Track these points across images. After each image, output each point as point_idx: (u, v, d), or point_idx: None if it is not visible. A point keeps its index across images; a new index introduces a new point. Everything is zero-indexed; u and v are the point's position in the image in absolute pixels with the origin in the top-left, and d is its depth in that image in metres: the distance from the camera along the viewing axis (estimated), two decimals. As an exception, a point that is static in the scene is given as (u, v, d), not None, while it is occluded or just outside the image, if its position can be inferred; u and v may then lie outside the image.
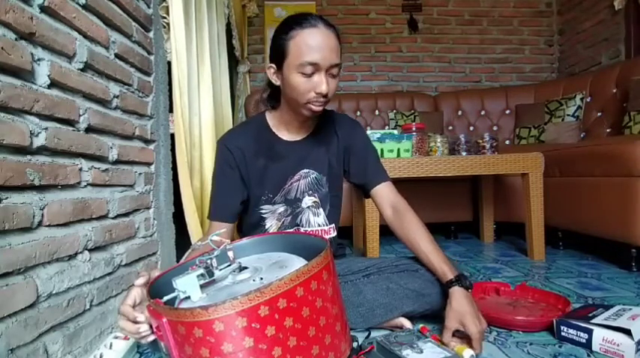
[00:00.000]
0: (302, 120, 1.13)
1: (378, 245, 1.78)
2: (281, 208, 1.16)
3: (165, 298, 0.65)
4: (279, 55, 1.02)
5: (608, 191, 1.69)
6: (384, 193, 1.18)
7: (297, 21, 0.99)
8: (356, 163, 1.20)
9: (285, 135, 1.16)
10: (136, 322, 0.72)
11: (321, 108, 1.03)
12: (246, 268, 0.75)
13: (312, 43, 0.96)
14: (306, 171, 1.15)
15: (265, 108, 1.20)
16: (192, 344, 0.56)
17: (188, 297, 0.66)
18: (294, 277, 0.56)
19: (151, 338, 0.72)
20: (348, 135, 1.20)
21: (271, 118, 1.18)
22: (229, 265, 0.74)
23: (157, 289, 0.70)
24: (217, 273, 0.72)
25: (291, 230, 0.82)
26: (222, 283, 0.72)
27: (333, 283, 0.64)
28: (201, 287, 0.68)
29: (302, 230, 1.15)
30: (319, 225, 1.17)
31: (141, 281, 0.75)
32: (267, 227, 1.17)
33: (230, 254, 0.74)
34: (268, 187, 1.14)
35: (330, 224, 1.19)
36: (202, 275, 0.69)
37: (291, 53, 0.99)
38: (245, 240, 0.87)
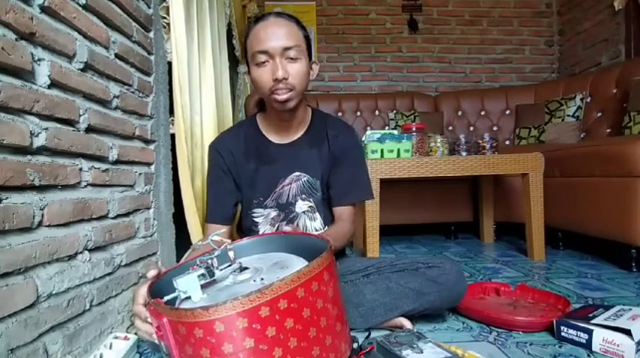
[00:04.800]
0: (286, 120, 1.12)
1: (378, 245, 1.78)
2: (273, 213, 1.15)
3: (166, 298, 0.66)
4: (246, 57, 1.07)
5: (608, 191, 1.69)
6: (340, 212, 1.17)
7: (254, 20, 1.06)
8: (338, 178, 1.16)
9: (275, 137, 1.15)
10: (148, 322, 0.72)
11: (286, 97, 1.01)
12: (246, 268, 0.75)
13: (260, 34, 1.00)
14: (297, 174, 1.14)
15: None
16: (193, 344, 0.56)
17: (189, 297, 0.66)
18: (295, 278, 0.56)
19: None
20: (342, 145, 1.16)
21: (261, 121, 1.18)
22: (230, 265, 0.74)
23: (158, 288, 0.70)
24: (218, 273, 0.72)
25: (291, 230, 0.82)
26: (222, 283, 0.72)
27: (334, 284, 0.64)
28: (202, 287, 0.68)
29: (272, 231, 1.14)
30: (316, 230, 1.16)
31: (153, 273, 0.74)
32: (260, 232, 1.16)
33: (231, 254, 0.74)
34: (259, 190, 1.14)
35: (326, 227, 1.18)
36: (203, 275, 0.69)
37: (248, 50, 1.04)
38: (246, 240, 0.87)
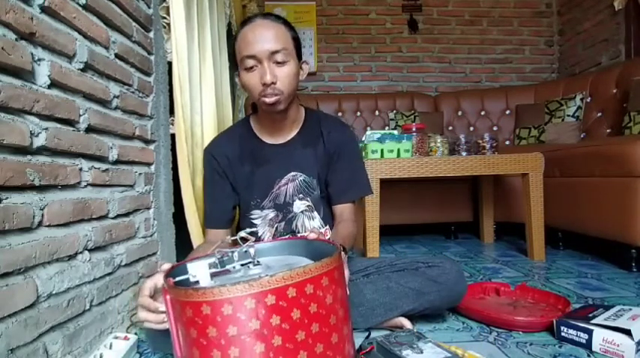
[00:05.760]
0: (278, 121, 1.11)
1: (378, 245, 1.78)
2: (271, 214, 1.14)
3: (177, 279, 0.67)
4: (235, 60, 1.06)
5: (608, 191, 1.69)
6: (340, 210, 1.17)
7: (241, 23, 1.04)
8: (337, 176, 1.15)
9: (269, 138, 1.15)
10: (157, 312, 0.73)
11: (274, 99, 1.01)
12: (259, 264, 0.76)
13: (248, 37, 0.99)
14: (293, 174, 1.13)
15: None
16: (184, 323, 0.57)
17: (197, 282, 0.68)
18: (287, 276, 0.56)
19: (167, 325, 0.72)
20: (337, 141, 1.15)
21: (255, 123, 1.17)
22: (246, 261, 0.76)
23: (174, 276, 0.72)
24: (233, 265, 0.73)
25: (315, 236, 0.82)
26: (235, 275, 0.73)
27: (335, 291, 0.62)
28: (215, 275, 0.70)
29: (299, 235, 1.14)
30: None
31: (167, 266, 0.75)
32: (259, 234, 1.15)
33: (251, 250, 0.77)
34: (256, 192, 1.14)
35: (325, 226, 1.17)
36: (215, 264, 0.71)
37: (237, 53, 1.03)
38: (271, 243, 0.87)
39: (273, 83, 0.99)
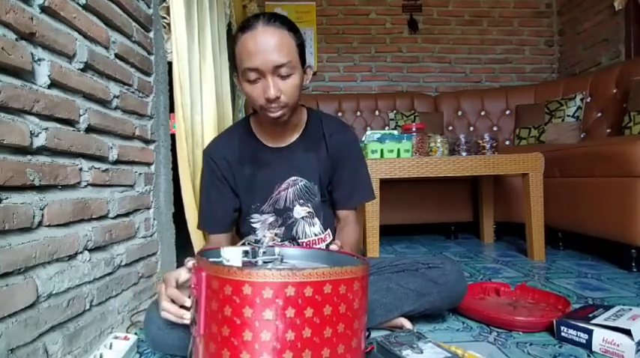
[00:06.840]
0: (280, 125, 1.07)
1: (378, 245, 1.78)
2: (270, 218, 1.12)
3: (211, 260, 0.69)
4: (235, 64, 1.01)
5: (608, 191, 1.69)
6: (345, 215, 1.17)
7: (241, 26, 0.97)
8: (341, 181, 1.14)
9: (270, 141, 1.12)
10: (182, 306, 0.74)
11: (279, 114, 0.98)
12: (285, 263, 0.79)
13: (250, 48, 0.93)
14: (294, 178, 1.10)
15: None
16: (220, 300, 0.58)
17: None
18: (326, 272, 0.58)
19: (187, 321, 0.73)
20: (339, 144, 1.13)
21: (255, 125, 1.14)
22: (272, 258, 0.78)
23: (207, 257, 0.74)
24: (257, 260, 0.76)
25: (337, 248, 0.82)
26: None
27: (362, 299, 0.65)
28: (243, 264, 0.72)
29: (300, 241, 1.13)
30: (315, 235, 1.14)
31: (191, 263, 0.75)
32: (258, 238, 1.14)
33: (277, 250, 0.79)
34: (256, 196, 1.12)
35: (325, 231, 1.16)
36: (247, 253, 0.74)
37: (237, 61, 0.98)
38: (295, 249, 0.88)
39: (277, 97, 0.95)
